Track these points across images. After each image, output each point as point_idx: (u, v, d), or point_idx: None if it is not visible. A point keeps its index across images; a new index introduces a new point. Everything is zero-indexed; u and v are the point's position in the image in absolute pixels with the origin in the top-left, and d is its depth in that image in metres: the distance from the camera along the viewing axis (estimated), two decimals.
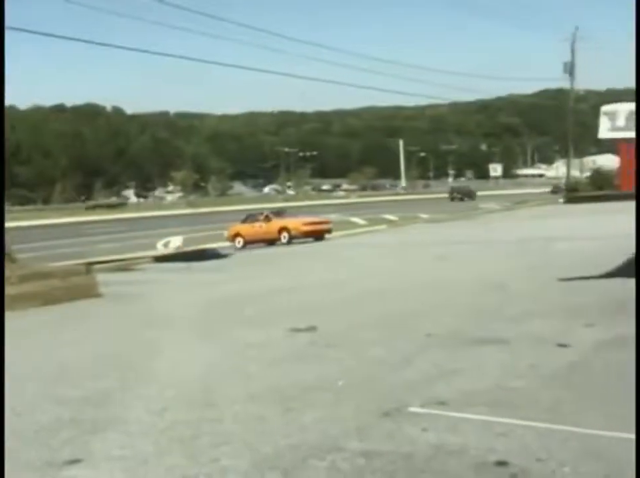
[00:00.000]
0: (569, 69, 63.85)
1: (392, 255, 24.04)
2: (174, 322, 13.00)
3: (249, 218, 37.00)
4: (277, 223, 35.36)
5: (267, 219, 35.80)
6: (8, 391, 7.45)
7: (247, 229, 35.88)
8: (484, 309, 12.39)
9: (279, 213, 38.45)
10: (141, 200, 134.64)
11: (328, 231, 35.51)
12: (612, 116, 55.31)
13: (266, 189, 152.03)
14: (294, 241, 34.07)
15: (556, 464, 5.30)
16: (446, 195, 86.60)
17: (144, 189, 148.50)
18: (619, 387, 7.24)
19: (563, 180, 73.60)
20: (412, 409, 6.83)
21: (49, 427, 6.94)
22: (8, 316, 13.04)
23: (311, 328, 11.25)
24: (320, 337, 10.65)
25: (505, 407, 6.75)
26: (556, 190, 77.45)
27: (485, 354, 8.93)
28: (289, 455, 5.86)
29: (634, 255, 17.69)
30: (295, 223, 35.37)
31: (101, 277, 18.27)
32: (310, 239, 34.02)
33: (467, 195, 77.84)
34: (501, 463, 5.37)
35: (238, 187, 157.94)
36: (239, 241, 35.47)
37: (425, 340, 9.99)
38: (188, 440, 6.36)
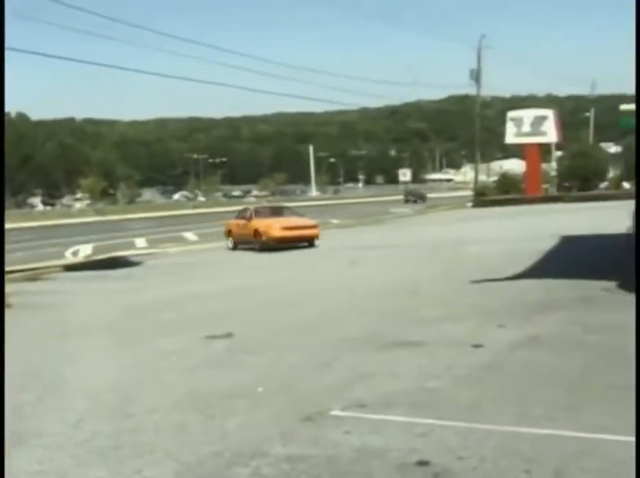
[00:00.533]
0: (476, 76, 65.13)
1: (303, 261, 24.09)
2: (88, 332, 12.76)
3: (241, 213, 31.77)
4: (255, 224, 29.35)
5: (250, 217, 30.15)
6: None
7: (235, 227, 30.88)
8: (398, 312, 12.54)
9: (274, 210, 32.28)
10: (48, 207, 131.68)
11: (316, 236, 28.97)
12: (518, 122, 56.74)
13: (176, 196, 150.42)
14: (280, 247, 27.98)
15: (476, 461, 5.43)
16: (356, 200, 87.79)
17: (51, 197, 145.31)
18: (532, 385, 7.44)
19: (471, 185, 75.05)
20: (334, 412, 6.87)
21: None
22: None
23: (228, 335, 11.21)
24: (238, 344, 10.63)
25: (424, 408, 6.86)
26: (409, 199, 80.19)
27: (402, 357, 9.05)
28: (212, 463, 5.83)
29: (540, 258, 18.21)
30: (270, 225, 28.72)
31: (9, 288, 17.80)
32: (304, 244, 28.56)
33: (419, 198, 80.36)
34: (423, 463, 5.46)
35: (148, 194, 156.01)
36: (230, 241, 30.86)
37: (342, 344, 10.05)
38: (109, 451, 6.26)
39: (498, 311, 11.65)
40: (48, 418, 7.43)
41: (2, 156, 15.33)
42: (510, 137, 57.86)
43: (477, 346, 9.26)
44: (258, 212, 31.07)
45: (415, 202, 77.20)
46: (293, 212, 32.55)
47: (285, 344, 10.42)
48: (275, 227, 28.67)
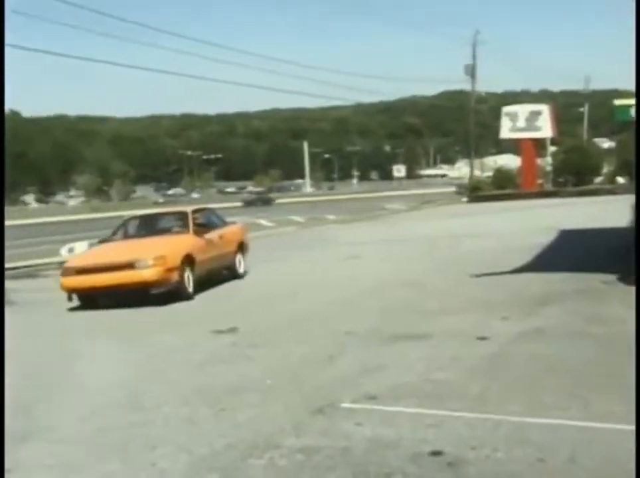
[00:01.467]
0: (471, 71, 65.20)
1: (302, 257, 24.01)
2: (93, 331, 12.84)
3: None
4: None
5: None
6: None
7: None
8: (402, 305, 12.57)
9: (152, 222, 17.88)
10: (42, 205, 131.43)
11: (150, 283, 14.60)
12: (513, 117, 56.68)
13: (170, 192, 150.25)
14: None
15: (489, 450, 5.49)
16: (351, 196, 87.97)
17: (44, 194, 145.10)
18: (538, 375, 7.51)
19: (465, 180, 75.06)
20: (344, 405, 6.93)
21: None
22: None
23: (233, 330, 11.28)
24: (243, 338, 10.68)
25: (433, 399, 6.92)
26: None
27: (408, 349, 9.11)
28: (226, 455, 5.88)
29: (540, 252, 18.28)
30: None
31: (9, 285, 17.83)
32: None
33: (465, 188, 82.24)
34: (436, 453, 5.52)
35: (142, 191, 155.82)
36: None
37: (347, 338, 10.10)
38: (122, 445, 6.31)
39: (500, 304, 11.71)
40: (59, 414, 7.46)
41: (2, 156, 15.36)
42: (505, 132, 57.81)
43: (481, 338, 9.33)
44: (128, 227, 17.67)
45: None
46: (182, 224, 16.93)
47: (291, 338, 10.46)
48: (71, 267, 15.53)
